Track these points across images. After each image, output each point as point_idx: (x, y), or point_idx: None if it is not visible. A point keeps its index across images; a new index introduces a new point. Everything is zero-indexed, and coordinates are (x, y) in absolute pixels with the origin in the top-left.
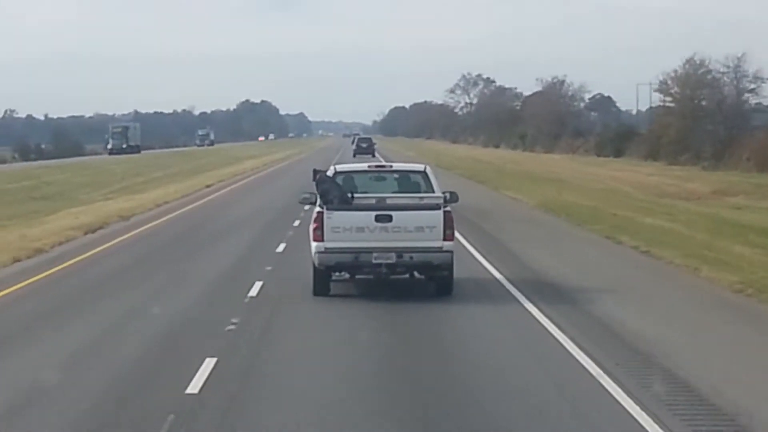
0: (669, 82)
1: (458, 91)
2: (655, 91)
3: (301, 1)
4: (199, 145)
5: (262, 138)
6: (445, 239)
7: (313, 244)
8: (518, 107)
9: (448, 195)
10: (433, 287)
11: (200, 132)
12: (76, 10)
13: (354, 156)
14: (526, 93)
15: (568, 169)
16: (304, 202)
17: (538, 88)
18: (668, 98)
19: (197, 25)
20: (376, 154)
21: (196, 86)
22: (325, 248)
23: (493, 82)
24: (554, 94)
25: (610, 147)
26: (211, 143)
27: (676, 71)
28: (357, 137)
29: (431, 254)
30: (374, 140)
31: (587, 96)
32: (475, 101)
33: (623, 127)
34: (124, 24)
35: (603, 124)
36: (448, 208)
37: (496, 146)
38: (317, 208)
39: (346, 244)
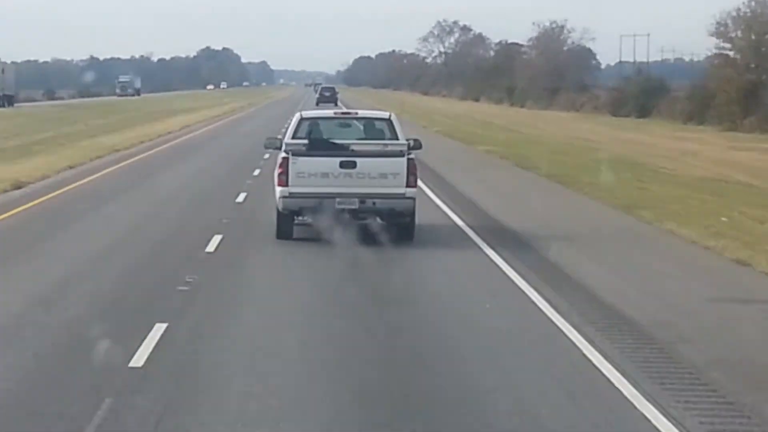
0: (729, 23)
1: (432, 40)
2: (711, 35)
3: None
4: (119, 95)
5: (210, 87)
6: (408, 186)
7: (278, 189)
8: (495, 56)
9: (411, 142)
10: (395, 233)
11: (121, 78)
12: None
13: (317, 104)
14: (511, 41)
15: (603, 137)
16: (269, 146)
17: (533, 35)
18: (727, 45)
19: None
20: (339, 104)
21: (157, 32)
22: (290, 193)
23: (471, 30)
24: (552, 40)
25: (632, 104)
26: (136, 92)
27: (738, 10)
28: (321, 86)
29: (394, 200)
30: (337, 90)
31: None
32: (450, 51)
33: (651, 80)
34: None
35: (621, 76)
36: (411, 156)
37: (476, 100)
38: (282, 154)
39: (310, 189)
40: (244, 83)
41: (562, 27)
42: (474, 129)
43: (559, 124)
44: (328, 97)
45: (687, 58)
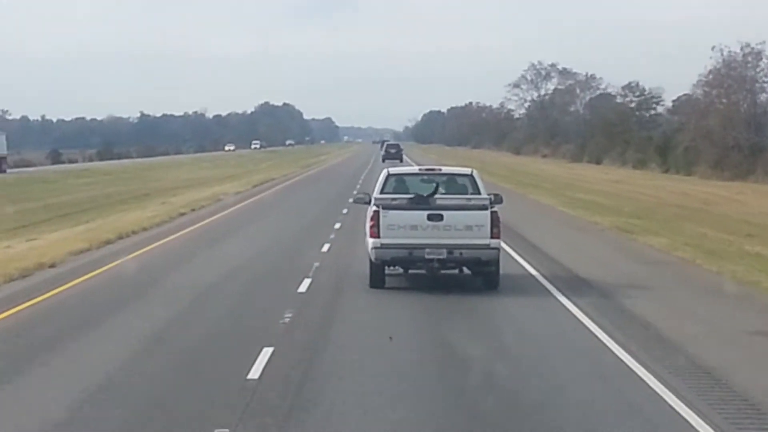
0: None
1: (524, 86)
2: None
3: (331, 4)
4: None
5: (230, 147)
6: (492, 237)
7: (370, 240)
8: (618, 104)
9: (493, 197)
10: (481, 282)
11: None
12: (81, 8)
13: (383, 161)
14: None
15: None
16: (358, 201)
17: (711, 65)
18: None
19: (221, 26)
20: (406, 158)
21: (215, 88)
22: (381, 244)
23: (574, 73)
24: (738, 77)
25: None
26: None
27: None
28: (386, 143)
29: (479, 251)
30: (402, 146)
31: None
32: (547, 99)
33: None
34: (137, 24)
35: None
36: (494, 209)
37: (597, 162)
38: (373, 207)
39: (401, 240)
40: (288, 142)
41: (759, 53)
42: None
43: None
44: (393, 153)
45: None
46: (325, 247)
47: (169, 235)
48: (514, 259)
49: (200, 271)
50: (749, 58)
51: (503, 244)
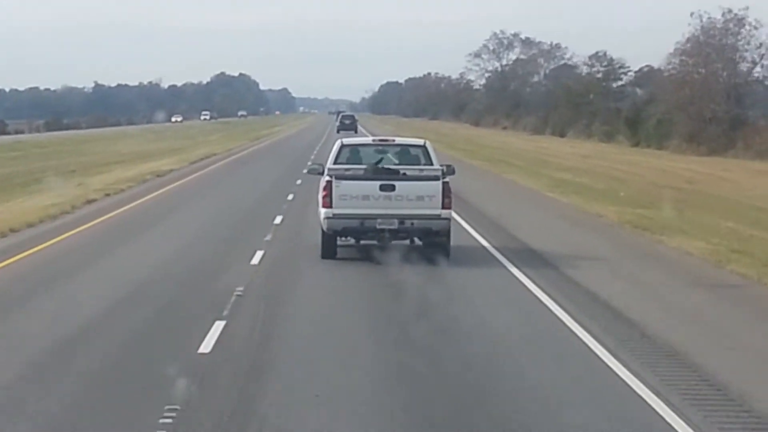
0: None
1: (485, 56)
2: None
3: None
4: None
5: (178, 118)
6: (443, 207)
7: (322, 210)
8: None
9: (445, 168)
10: (432, 252)
11: None
12: None
13: (338, 132)
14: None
15: None
16: (312, 172)
17: (690, 32)
18: None
19: None
20: (361, 129)
21: (170, 59)
22: (333, 214)
23: (537, 43)
24: (718, 45)
25: None
26: None
27: None
28: (341, 114)
29: (431, 221)
30: (356, 117)
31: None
32: (508, 69)
33: None
34: None
35: None
36: (446, 180)
37: (561, 135)
38: (326, 178)
39: (353, 210)
40: (240, 113)
41: (742, 20)
42: None
43: None
44: (348, 125)
45: None
46: (256, 258)
47: (54, 236)
48: (528, 289)
49: (62, 310)
50: (730, 25)
51: (504, 258)
